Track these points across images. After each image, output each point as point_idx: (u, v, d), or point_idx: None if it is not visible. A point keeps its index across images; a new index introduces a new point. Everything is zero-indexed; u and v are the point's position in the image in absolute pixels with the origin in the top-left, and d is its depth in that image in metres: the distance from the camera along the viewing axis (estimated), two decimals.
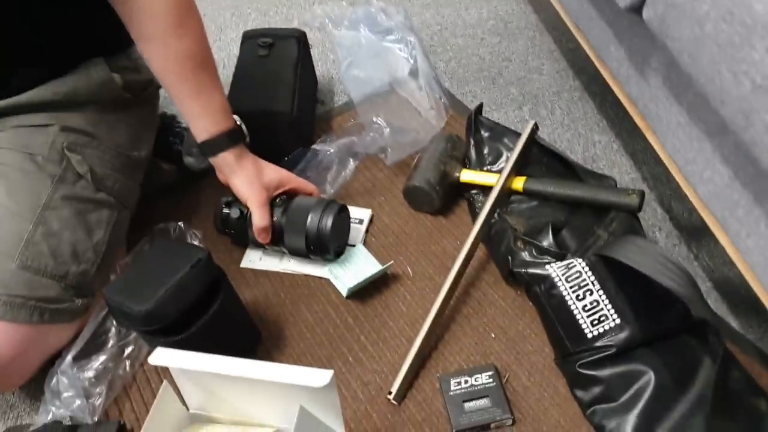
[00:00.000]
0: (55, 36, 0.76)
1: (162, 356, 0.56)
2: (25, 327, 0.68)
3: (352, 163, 1.04)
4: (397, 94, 1.15)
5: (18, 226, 0.70)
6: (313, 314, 0.85)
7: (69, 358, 0.72)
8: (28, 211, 0.71)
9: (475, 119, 0.97)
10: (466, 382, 0.73)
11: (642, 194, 0.83)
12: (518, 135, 0.96)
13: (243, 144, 0.83)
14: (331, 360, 0.79)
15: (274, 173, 0.86)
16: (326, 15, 1.25)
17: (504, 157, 0.95)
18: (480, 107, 1.00)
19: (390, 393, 0.73)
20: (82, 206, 0.75)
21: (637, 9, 0.72)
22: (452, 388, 0.72)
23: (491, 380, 0.72)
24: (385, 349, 0.79)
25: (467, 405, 0.71)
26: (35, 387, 0.80)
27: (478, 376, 0.73)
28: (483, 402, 0.71)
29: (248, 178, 0.83)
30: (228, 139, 0.81)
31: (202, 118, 0.80)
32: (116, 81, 0.82)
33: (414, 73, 1.15)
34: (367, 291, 0.86)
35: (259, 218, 0.83)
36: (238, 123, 0.85)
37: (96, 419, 0.72)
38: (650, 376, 0.65)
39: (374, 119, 1.04)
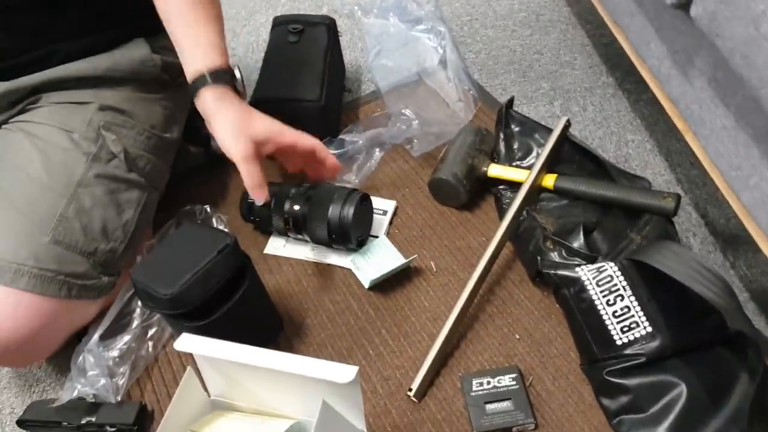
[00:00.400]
0: (99, 11, 0.76)
1: (187, 342, 0.56)
2: (53, 301, 0.69)
3: (378, 154, 1.03)
4: (425, 84, 1.13)
5: (53, 201, 0.70)
6: (334, 304, 0.84)
7: (96, 336, 0.73)
8: (63, 187, 0.71)
9: (506, 113, 0.95)
10: (488, 383, 0.71)
11: (678, 198, 0.80)
12: (550, 131, 0.94)
13: (229, 87, 0.74)
14: (352, 352, 0.78)
15: (264, 124, 0.76)
16: (356, 2, 1.23)
17: (534, 153, 0.93)
18: (511, 101, 0.98)
19: (410, 390, 0.72)
20: (114, 185, 0.75)
21: (684, 5, 0.69)
22: (474, 388, 0.71)
23: (514, 382, 0.71)
24: (406, 344, 0.78)
25: (489, 407, 0.69)
26: (61, 363, 0.81)
27: (501, 377, 0.72)
28: (505, 404, 0.69)
29: (231, 126, 0.73)
30: (210, 76, 0.72)
31: (190, 53, 0.73)
32: (156, 61, 0.82)
33: (443, 63, 1.13)
34: (389, 283, 0.85)
35: (246, 175, 0.73)
36: (236, 72, 0.77)
37: (119, 399, 0.72)
38: (682, 389, 0.63)
39: (402, 110, 1.02)
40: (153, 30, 0.83)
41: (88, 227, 0.71)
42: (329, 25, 1.10)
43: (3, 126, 0.78)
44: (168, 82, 0.85)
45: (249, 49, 1.35)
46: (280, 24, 1.09)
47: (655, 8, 0.82)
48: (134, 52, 0.80)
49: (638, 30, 0.89)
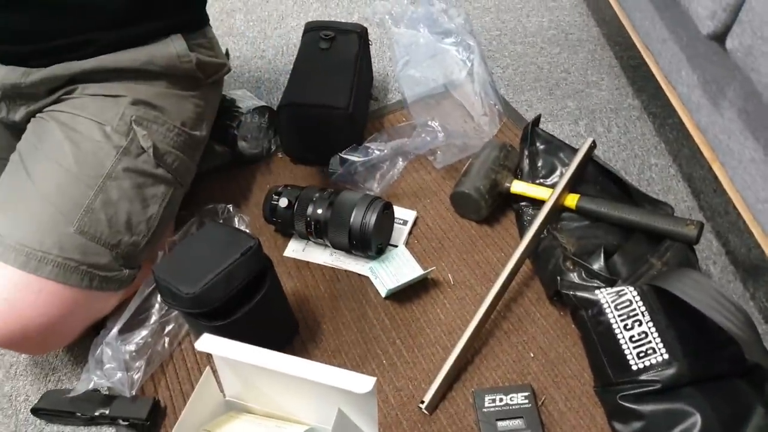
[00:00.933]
0: (137, 3, 0.77)
1: (208, 343, 0.56)
2: (75, 290, 0.70)
3: (401, 163, 1.03)
4: (452, 97, 1.14)
5: (81, 192, 0.72)
6: (350, 311, 0.84)
7: (115, 330, 0.74)
8: (92, 179, 0.73)
9: (532, 130, 0.95)
10: (501, 399, 0.71)
11: (701, 226, 0.80)
12: (574, 151, 0.94)
13: None
14: (365, 361, 0.79)
15: None
16: (387, 11, 1.24)
17: (558, 172, 0.93)
18: (538, 119, 0.98)
19: (422, 402, 0.72)
20: (141, 180, 0.76)
21: (719, 37, 0.69)
22: (486, 404, 0.71)
23: (527, 401, 0.71)
24: (420, 356, 0.79)
25: (500, 424, 0.69)
26: (77, 354, 0.82)
27: (514, 395, 0.72)
28: (517, 422, 0.69)
29: None
30: None
31: None
32: (191, 58, 0.83)
33: (470, 77, 1.13)
34: (405, 294, 0.85)
35: None
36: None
37: (133, 393, 0.73)
38: (696, 419, 0.62)
39: (428, 121, 1.03)
40: (189, 26, 0.84)
41: (113, 219, 0.73)
42: (360, 34, 1.10)
43: (38, 114, 0.79)
44: (201, 80, 0.86)
45: (279, 52, 1.37)
46: (312, 30, 1.10)
47: (689, 36, 0.82)
48: (171, 48, 0.81)
49: (670, 56, 0.88)
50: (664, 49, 0.90)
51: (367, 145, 0.98)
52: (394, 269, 0.87)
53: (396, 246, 0.91)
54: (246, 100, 1.03)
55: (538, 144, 0.95)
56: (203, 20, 0.89)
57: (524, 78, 1.25)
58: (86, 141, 0.74)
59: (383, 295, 0.85)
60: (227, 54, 0.94)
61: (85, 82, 0.78)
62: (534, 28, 1.38)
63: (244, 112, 0.99)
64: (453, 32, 1.18)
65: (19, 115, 0.81)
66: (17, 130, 0.81)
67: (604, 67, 1.26)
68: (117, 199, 0.73)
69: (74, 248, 0.70)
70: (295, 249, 0.92)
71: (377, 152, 0.98)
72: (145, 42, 0.79)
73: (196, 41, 0.85)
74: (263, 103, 1.04)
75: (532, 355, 0.77)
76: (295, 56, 1.08)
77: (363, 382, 0.52)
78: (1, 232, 0.68)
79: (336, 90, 0.99)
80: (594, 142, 0.94)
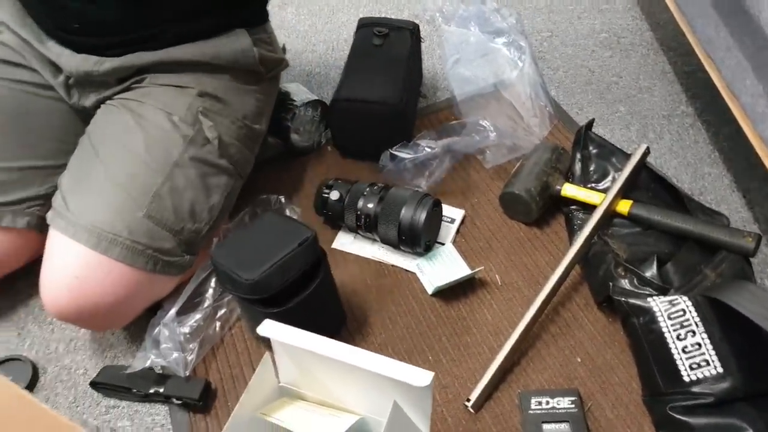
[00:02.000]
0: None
1: (270, 328, 0.58)
2: (140, 273, 0.73)
3: (449, 161, 1.03)
4: (502, 96, 1.13)
5: (150, 179, 0.74)
6: (397, 306, 0.85)
7: (173, 312, 0.76)
8: (160, 166, 0.75)
9: (585, 134, 0.95)
10: (547, 402, 0.72)
11: (759, 238, 0.79)
12: (628, 156, 0.93)
13: None
14: (411, 356, 0.80)
15: None
16: (438, 9, 1.24)
17: (610, 177, 0.92)
18: (591, 122, 0.97)
19: (468, 400, 0.73)
20: (205, 169, 0.78)
21: None
22: (532, 406, 0.71)
23: (573, 406, 0.71)
24: (466, 355, 0.79)
25: (546, 426, 0.70)
26: (133, 333, 0.85)
27: (560, 399, 0.72)
28: (563, 426, 0.69)
29: None
30: None
31: None
32: (255, 53, 0.85)
33: (521, 77, 1.13)
34: (452, 292, 0.86)
35: None
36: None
37: (187, 373, 0.76)
38: None
39: (480, 121, 1.03)
40: (253, 21, 0.86)
41: (178, 207, 0.75)
42: (413, 31, 1.11)
43: (108, 101, 0.82)
44: (262, 75, 0.88)
45: (329, 47, 1.38)
46: (366, 26, 1.11)
47: (756, 45, 0.80)
48: (236, 43, 0.83)
49: (733, 65, 0.87)
50: (728, 57, 0.88)
51: (418, 142, 0.99)
52: (442, 267, 0.88)
53: (443, 244, 0.91)
54: (299, 93, 1.05)
55: (590, 148, 0.94)
56: (265, 16, 0.90)
57: (575, 81, 1.23)
58: (155, 129, 0.77)
59: (430, 292, 0.86)
60: (284, 49, 0.96)
61: (154, 72, 0.81)
62: (585, 30, 1.36)
63: (298, 105, 1.00)
64: (504, 32, 1.17)
65: (89, 101, 0.85)
66: (86, 115, 0.84)
67: (656, 73, 1.24)
68: (183, 187, 0.76)
69: (142, 232, 0.72)
70: (343, 242, 0.93)
71: (427, 149, 0.99)
72: (211, 35, 0.81)
73: (258, 36, 0.87)
74: (316, 97, 1.05)
75: (579, 360, 0.77)
76: (346, 51, 1.09)
77: (421, 376, 0.52)
78: (74, 212, 0.71)
79: (388, 86, 1.00)
80: (648, 148, 0.93)
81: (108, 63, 0.80)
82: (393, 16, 1.27)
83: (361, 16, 1.16)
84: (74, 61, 0.81)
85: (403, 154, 0.97)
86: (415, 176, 0.99)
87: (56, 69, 0.83)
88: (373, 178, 0.93)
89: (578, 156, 0.94)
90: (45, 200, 0.80)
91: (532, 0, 1.45)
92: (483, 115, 1.06)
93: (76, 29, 0.78)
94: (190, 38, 0.80)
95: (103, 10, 0.76)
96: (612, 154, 0.94)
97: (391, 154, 0.97)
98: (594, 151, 0.94)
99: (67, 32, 0.79)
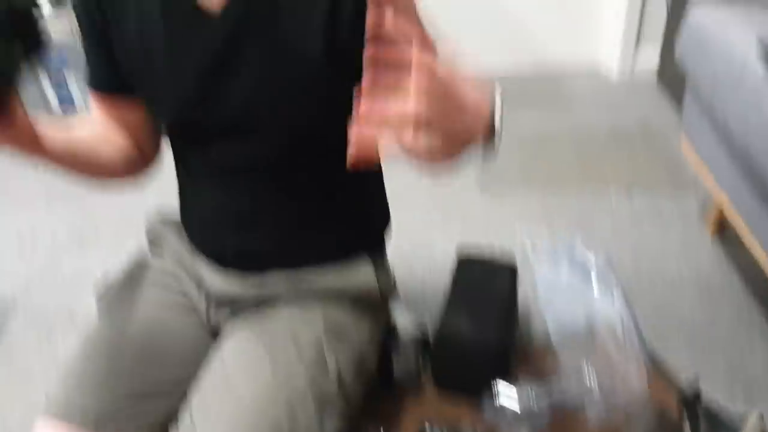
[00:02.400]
0: (340, 220, 0.88)
1: None
2: None
3: (549, 415, 1.01)
4: (596, 338, 1.14)
5: (273, 408, 0.75)
6: None
7: None
8: (285, 396, 0.77)
9: (694, 405, 0.93)
10: None
11: None
12: (738, 426, 0.89)
13: None
14: None
15: None
16: (529, 244, 1.32)
17: None
18: (698, 393, 0.95)
19: None
20: (324, 400, 0.79)
21: None
22: None
23: None
24: None
25: None
26: None
27: None
28: None
29: None
30: None
31: None
32: (376, 286, 0.89)
33: (613, 319, 1.14)
34: None
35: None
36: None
37: None
38: None
39: (579, 366, 1.03)
40: (373, 245, 0.93)
41: None
42: (512, 270, 1.17)
43: (239, 313, 0.87)
44: (377, 304, 0.93)
45: (428, 271, 1.45)
46: (465, 261, 1.18)
47: None
48: (360, 275, 0.88)
49: None
50: None
51: (522, 387, 0.99)
52: None
53: None
54: (401, 321, 1.09)
55: (700, 418, 0.92)
56: (384, 244, 0.97)
57: (668, 327, 1.24)
58: (283, 356, 0.79)
59: None
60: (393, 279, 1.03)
61: (288, 297, 0.86)
62: (673, 274, 1.40)
63: (402, 338, 1.04)
64: (596, 274, 1.22)
65: (220, 317, 0.90)
66: (212, 328, 0.90)
67: (755, 327, 1.22)
68: (302, 419, 0.76)
69: None
70: None
71: (531, 403, 0.97)
72: (338, 258, 0.88)
73: (378, 261, 0.92)
74: (418, 331, 1.09)
75: None
76: (446, 283, 1.14)
77: None
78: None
79: (489, 324, 1.03)
80: (761, 416, 0.90)
81: (252, 291, 0.87)
82: (486, 245, 1.32)
83: (457, 243, 1.23)
84: (222, 283, 0.88)
85: (506, 404, 0.96)
86: (518, 427, 0.98)
87: (202, 289, 0.91)
88: (474, 419, 0.91)
89: (688, 427, 0.91)
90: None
91: (617, 241, 1.52)
92: (579, 358, 1.06)
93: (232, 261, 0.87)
94: (319, 260, 0.87)
95: (258, 242, 0.85)
96: (723, 427, 0.90)
97: (493, 401, 0.97)
98: (704, 423, 0.91)
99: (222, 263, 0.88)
